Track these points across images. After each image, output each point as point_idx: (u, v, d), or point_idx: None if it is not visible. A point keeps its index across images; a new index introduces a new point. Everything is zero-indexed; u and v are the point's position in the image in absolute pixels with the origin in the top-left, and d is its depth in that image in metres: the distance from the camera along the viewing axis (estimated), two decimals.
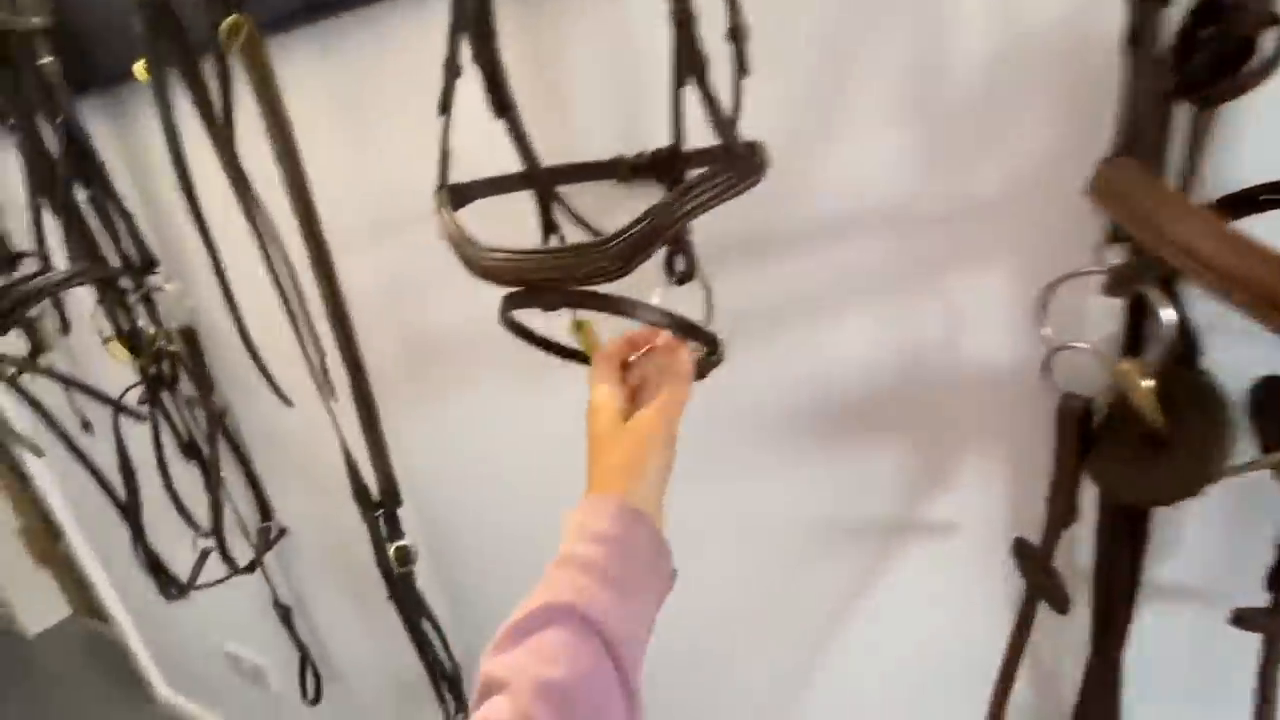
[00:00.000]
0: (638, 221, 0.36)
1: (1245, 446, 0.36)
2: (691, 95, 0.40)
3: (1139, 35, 0.31)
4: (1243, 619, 0.40)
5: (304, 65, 0.60)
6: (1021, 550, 0.47)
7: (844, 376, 0.50)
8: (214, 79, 0.57)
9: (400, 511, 0.75)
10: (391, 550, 0.76)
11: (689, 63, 0.37)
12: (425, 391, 0.73)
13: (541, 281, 0.38)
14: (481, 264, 0.40)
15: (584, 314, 0.50)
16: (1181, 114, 0.33)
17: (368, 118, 0.60)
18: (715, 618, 0.65)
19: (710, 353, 0.44)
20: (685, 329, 0.42)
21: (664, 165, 0.47)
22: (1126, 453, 0.39)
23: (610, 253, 0.36)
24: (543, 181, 0.49)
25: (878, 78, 0.40)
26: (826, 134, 0.43)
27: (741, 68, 0.39)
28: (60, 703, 1.75)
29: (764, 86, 0.41)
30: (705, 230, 0.44)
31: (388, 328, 0.71)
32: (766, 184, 0.40)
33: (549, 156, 0.49)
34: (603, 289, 0.38)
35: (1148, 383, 0.36)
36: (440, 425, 0.75)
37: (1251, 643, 0.40)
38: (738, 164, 0.37)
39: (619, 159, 0.47)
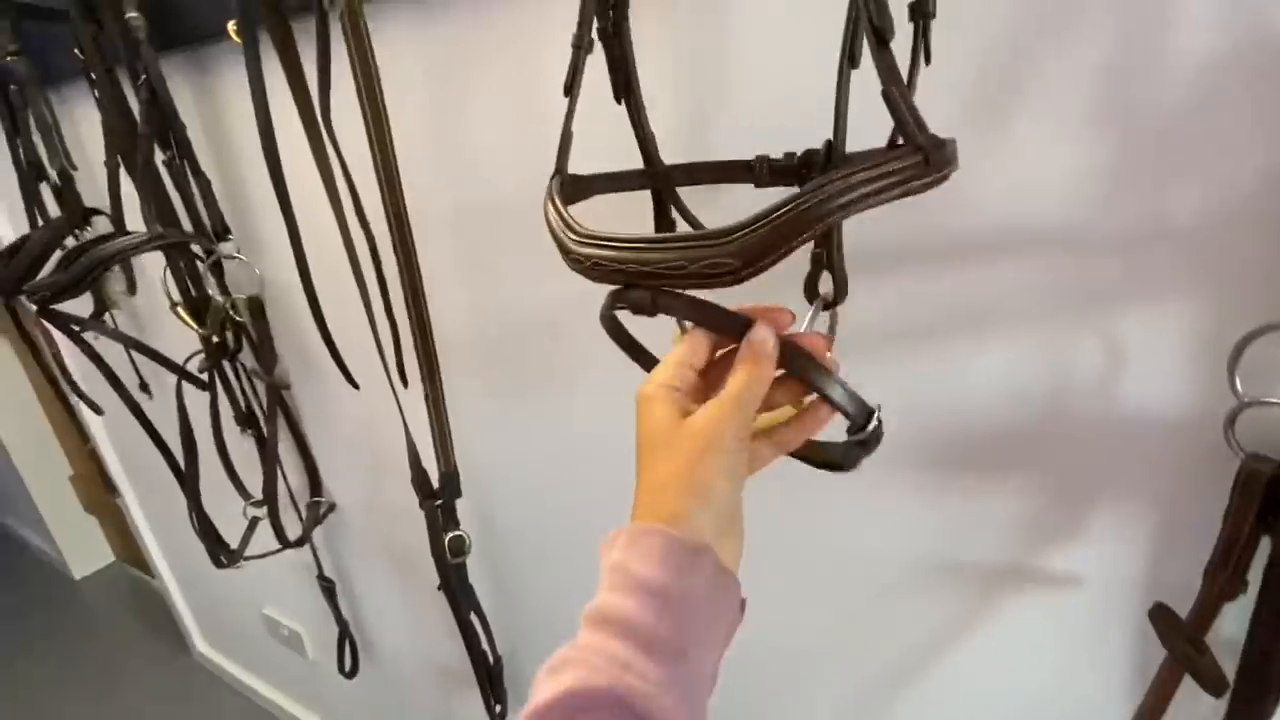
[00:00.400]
0: (773, 210, 0.28)
1: None
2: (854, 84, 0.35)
3: None
4: None
5: (400, 33, 0.57)
6: (1163, 618, 0.42)
7: (977, 407, 0.45)
8: (307, 44, 0.54)
9: (457, 501, 0.73)
10: (446, 539, 0.74)
11: (873, 31, 0.29)
12: (494, 383, 0.70)
13: (637, 277, 0.31)
14: (569, 251, 0.34)
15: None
16: None
17: (462, 94, 0.57)
18: (797, 648, 0.62)
19: (857, 429, 0.33)
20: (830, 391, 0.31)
21: (817, 170, 0.41)
22: None
23: (729, 246, 0.28)
24: (669, 180, 0.44)
25: (1069, 74, 0.35)
26: (998, 135, 0.38)
27: (925, 54, 0.34)
28: (101, 646, 1.80)
29: (929, 75, 0.36)
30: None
31: (461, 315, 0.68)
32: None
33: (668, 151, 0.45)
34: (719, 297, 0.33)
35: None
36: (505, 418, 0.72)
37: None
38: (916, 156, 0.29)
39: (761, 159, 0.42)
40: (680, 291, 0.32)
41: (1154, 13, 0.33)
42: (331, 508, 1.00)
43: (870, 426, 0.32)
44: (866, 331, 0.45)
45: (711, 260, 0.29)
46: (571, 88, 0.37)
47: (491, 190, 0.60)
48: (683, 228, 0.46)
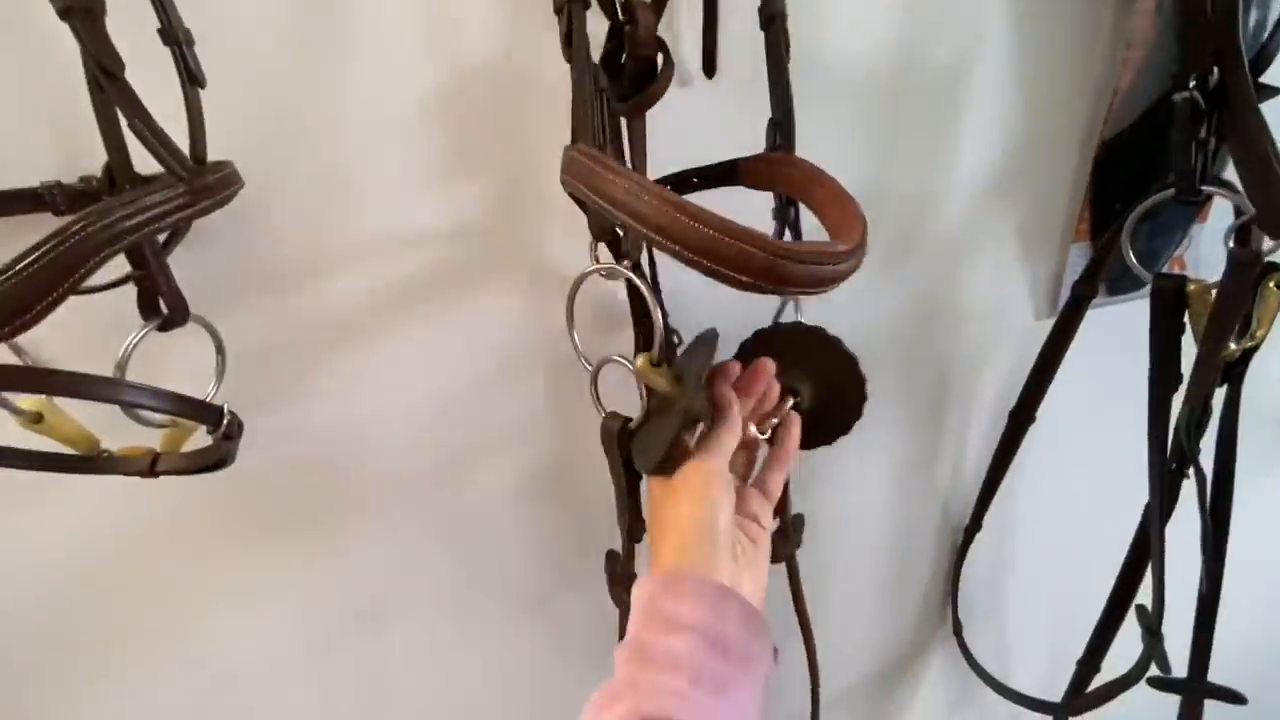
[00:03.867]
0: (40, 247, 0.26)
1: None
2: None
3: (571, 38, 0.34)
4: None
5: None
6: (610, 560, 0.47)
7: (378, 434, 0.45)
8: None
9: None
10: None
11: (98, 69, 0.29)
12: None
13: None
14: None
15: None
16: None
17: None
18: None
19: (214, 431, 0.34)
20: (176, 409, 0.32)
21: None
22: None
23: None
24: None
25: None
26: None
27: (191, 77, 0.33)
28: None
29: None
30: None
31: None
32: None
33: None
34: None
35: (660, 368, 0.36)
36: None
37: None
38: (180, 187, 0.30)
39: (54, 185, 0.35)
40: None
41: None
42: None
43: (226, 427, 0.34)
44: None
45: None
46: None
47: None
48: None
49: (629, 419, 0.39)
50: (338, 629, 0.48)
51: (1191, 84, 0.42)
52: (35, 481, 0.34)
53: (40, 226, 0.37)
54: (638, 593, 0.33)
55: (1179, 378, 0.48)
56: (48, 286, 0.27)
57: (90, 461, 0.35)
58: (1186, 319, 0.47)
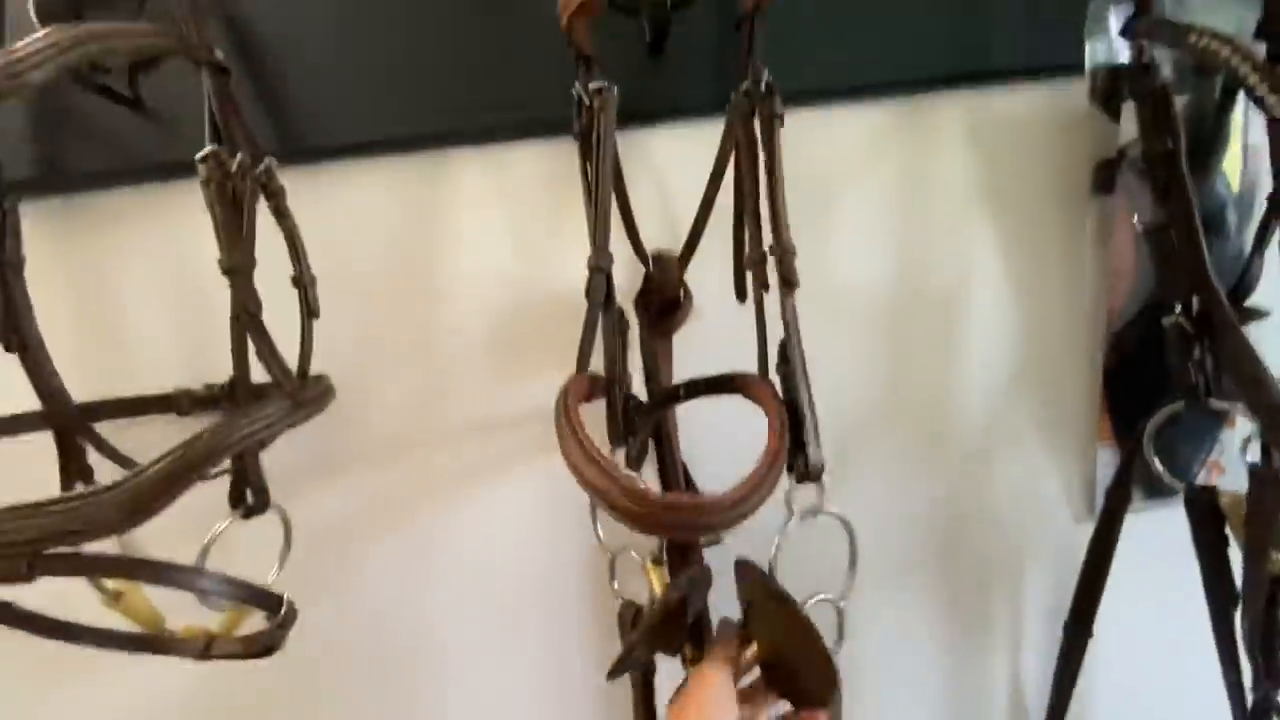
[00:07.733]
0: (156, 462, 0.32)
1: None
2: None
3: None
4: None
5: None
6: None
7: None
8: None
9: None
10: None
11: (244, 307, 0.37)
12: None
13: (23, 544, 0.29)
14: None
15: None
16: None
17: None
18: None
19: (275, 617, 0.38)
20: (244, 596, 0.36)
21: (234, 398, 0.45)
22: None
23: (108, 502, 0.30)
24: (71, 420, 0.42)
25: None
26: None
27: (310, 311, 0.42)
28: None
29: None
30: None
31: None
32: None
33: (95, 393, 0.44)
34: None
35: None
36: None
37: None
38: (286, 401, 0.37)
39: (181, 392, 0.44)
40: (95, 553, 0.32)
41: None
42: None
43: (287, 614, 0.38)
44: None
45: (89, 519, 0.30)
46: None
47: None
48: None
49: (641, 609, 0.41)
50: None
51: (1177, 310, 0.45)
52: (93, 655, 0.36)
53: (161, 425, 0.44)
54: None
55: (1235, 592, 0.46)
56: (172, 483, 0.32)
57: (152, 641, 0.38)
58: (1228, 530, 0.46)
